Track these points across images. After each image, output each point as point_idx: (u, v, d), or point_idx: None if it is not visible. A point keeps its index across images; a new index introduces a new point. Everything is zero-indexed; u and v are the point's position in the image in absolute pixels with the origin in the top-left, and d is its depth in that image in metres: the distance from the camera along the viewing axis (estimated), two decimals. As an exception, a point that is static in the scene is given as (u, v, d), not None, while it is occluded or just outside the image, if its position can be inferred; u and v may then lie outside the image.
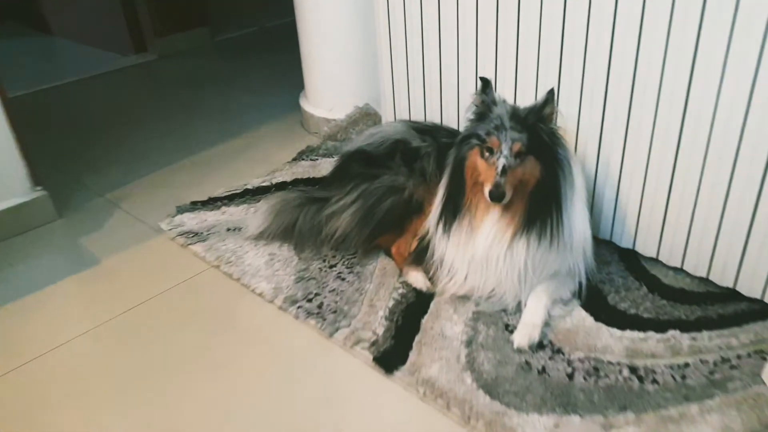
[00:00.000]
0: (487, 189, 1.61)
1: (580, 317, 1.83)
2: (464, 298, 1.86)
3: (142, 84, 4.21)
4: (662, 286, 1.98)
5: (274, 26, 5.31)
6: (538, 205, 1.70)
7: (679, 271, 2.00)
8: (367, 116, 3.07)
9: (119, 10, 4.46)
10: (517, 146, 1.62)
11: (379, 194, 2.01)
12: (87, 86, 4.09)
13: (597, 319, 1.82)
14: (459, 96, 2.34)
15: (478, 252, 1.74)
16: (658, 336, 1.75)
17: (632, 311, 1.86)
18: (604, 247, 2.11)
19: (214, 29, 5.08)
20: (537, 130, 1.66)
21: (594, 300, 1.88)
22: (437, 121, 2.43)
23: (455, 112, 2.40)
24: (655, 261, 2.05)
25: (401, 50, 2.43)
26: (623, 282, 1.99)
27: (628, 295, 1.94)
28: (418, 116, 2.50)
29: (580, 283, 1.86)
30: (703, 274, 1.93)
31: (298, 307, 1.91)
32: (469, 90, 2.24)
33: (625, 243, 2.09)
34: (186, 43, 4.84)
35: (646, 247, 2.04)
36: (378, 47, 2.50)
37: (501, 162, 1.61)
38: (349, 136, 2.97)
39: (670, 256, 2.00)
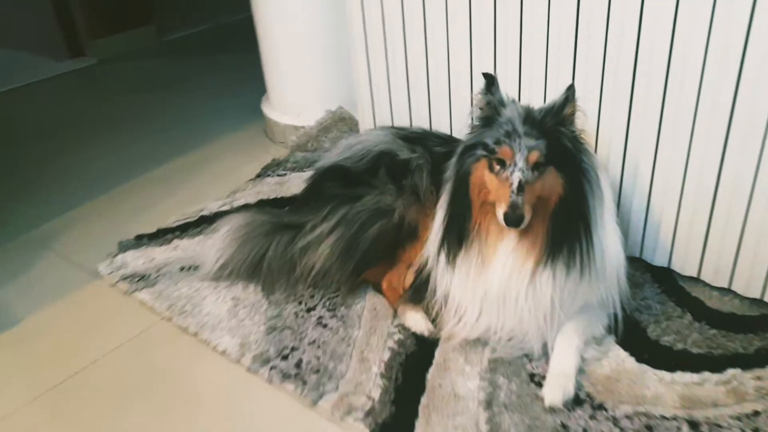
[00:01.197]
0: (501, 211, 1.46)
1: (619, 358, 1.67)
2: (477, 342, 1.70)
3: (80, 93, 4.08)
4: (708, 311, 1.83)
5: (229, 23, 5.34)
6: (563, 227, 1.54)
7: (726, 291, 1.87)
8: (342, 121, 2.94)
9: (49, 9, 4.27)
10: (534, 156, 1.47)
11: (363, 219, 1.85)
12: (14, 97, 3.94)
13: (639, 359, 1.66)
14: (451, 96, 2.23)
15: (492, 288, 1.59)
16: (716, 377, 1.59)
17: (679, 346, 1.71)
18: (633, 265, 1.94)
19: (161, 28, 4.96)
20: (557, 135, 1.52)
21: (632, 334, 1.73)
22: (425, 126, 2.32)
23: (447, 116, 2.29)
24: (695, 280, 1.92)
25: (379, 44, 2.32)
26: (662, 309, 1.84)
27: (671, 325, 1.78)
28: (402, 121, 2.40)
29: (615, 315, 1.71)
30: (756, 295, 1.80)
31: (272, 368, 1.71)
32: (463, 88, 2.19)
33: (659, 260, 1.96)
34: (129, 44, 4.70)
35: (684, 265, 1.92)
36: (351, 42, 2.39)
37: (516, 177, 1.45)
38: (321, 146, 2.85)
39: (716, 275, 1.86)
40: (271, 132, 3.16)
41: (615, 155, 1.87)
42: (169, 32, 5.07)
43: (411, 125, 2.36)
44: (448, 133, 2.25)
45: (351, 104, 2.89)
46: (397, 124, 2.40)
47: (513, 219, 1.44)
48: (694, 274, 1.90)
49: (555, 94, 1.74)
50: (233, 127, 3.34)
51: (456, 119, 2.25)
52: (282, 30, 2.84)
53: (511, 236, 1.57)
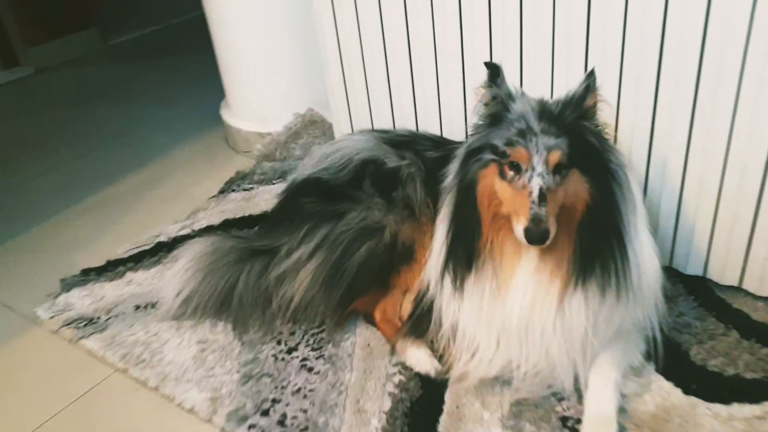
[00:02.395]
0: (520, 227, 1.34)
1: (664, 391, 1.55)
2: (494, 381, 1.60)
3: (14, 106, 3.98)
4: (756, 326, 1.73)
5: (180, 23, 5.28)
6: (593, 241, 1.42)
7: (773, 301, 1.77)
8: (313, 125, 2.86)
9: (-25, 16, 4.25)
10: (555, 157, 1.35)
11: (349, 240, 1.76)
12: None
13: (687, 390, 1.55)
14: (440, 92, 2.14)
15: (512, 318, 1.47)
16: (782, 408, 1.46)
17: (730, 371, 1.60)
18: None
19: (104, 31, 4.90)
20: (580, 130, 1.41)
21: (673, 360, 1.62)
22: (411, 128, 2.25)
23: (435, 115, 2.20)
24: (735, 290, 1.83)
25: (353, 36, 2.23)
26: (703, 326, 1.74)
27: (716, 345, 1.68)
28: (384, 123, 2.32)
29: (653, 338, 1.61)
30: (809, 304, 1.70)
31: (250, 427, 1.57)
32: (454, 82, 2.07)
33: (692, 269, 1.88)
34: (69, 50, 4.61)
35: (723, 274, 1.83)
36: (320, 35, 2.32)
37: (536, 183, 1.34)
38: (291, 154, 2.79)
39: (761, 284, 1.77)
40: (233, 141, 3.07)
41: (639, 150, 1.77)
42: (114, 35, 4.99)
43: (395, 127, 2.30)
44: (439, 134, 2.17)
45: (323, 106, 2.81)
46: (377, 126, 2.33)
47: (536, 235, 1.32)
48: (735, 283, 1.81)
49: (565, 85, 1.69)
50: (189, 137, 3.26)
51: (447, 118, 2.17)
52: (240, 26, 2.75)
53: (531, 255, 1.45)
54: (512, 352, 1.53)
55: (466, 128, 2.08)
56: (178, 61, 4.38)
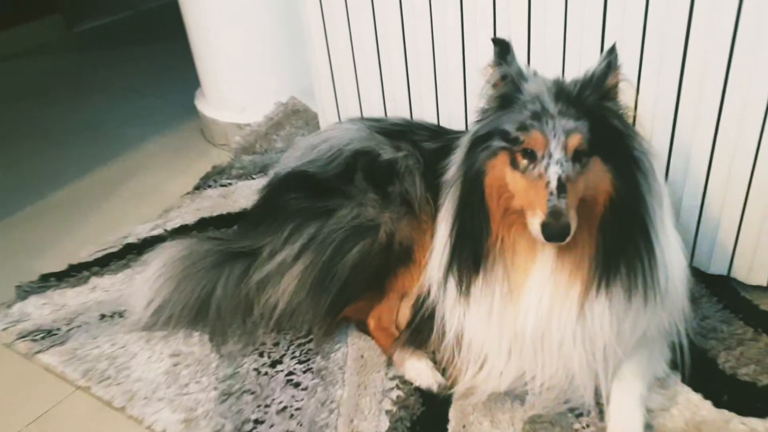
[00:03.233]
0: (536, 221, 1.28)
1: (692, 404, 1.52)
2: (505, 396, 1.57)
3: None
4: None
5: (151, 8, 5.18)
6: (617, 238, 1.37)
7: (803, 302, 1.76)
8: (296, 115, 2.85)
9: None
10: (575, 141, 1.30)
11: (339, 240, 1.73)
12: None
13: (718, 403, 1.52)
14: (437, 77, 2.09)
15: (527, 327, 1.43)
16: (821, 421, 1.45)
17: (764, 380, 1.57)
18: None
19: (71, 17, 4.73)
20: (601, 112, 1.36)
21: (700, 368, 1.59)
22: (405, 116, 2.20)
23: (432, 102, 2.15)
24: (762, 290, 1.81)
25: (340, 17, 2.19)
26: (729, 330, 1.72)
27: (746, 352, 1.65)
28: (374, 112, 2.27)
29: (679, 345, 1.57)
30: None
31: None
32: (453, 64, 2.02)
33: (716, 268, 1.86)
34: (31, 38, 4.47)
35: (750, 273, 1.80)
36: (305, 18, 2.28)
37: (554, 172, 1.28)
38: (272, 146, 2.75)
39: None
40: (210, 133, 3.03)
41: (660, 137, 1.73)
42: (80, 22, 4.83)
43: (386, 115, 2.26)
44: (436, 123, 2.14)
45: (307, 94, 2.77)
46: (367, 115, 2.27)
47: (556, 231, 1.26)
48: (763, 283, 1.80)
49: (578, 68, 1.64)
50: (162, 130, 3.20)
51: (445, 106, 2.12)
52: (215, 9, 2.70)
53: (547, 254, 1.40)
54: (526, 364, 1.50)
55: (467, 117, 2.05)
56: (149, 50, 4.31)
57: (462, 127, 1.98)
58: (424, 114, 2.16)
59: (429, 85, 2.12)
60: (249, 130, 2.84)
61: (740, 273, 1.81)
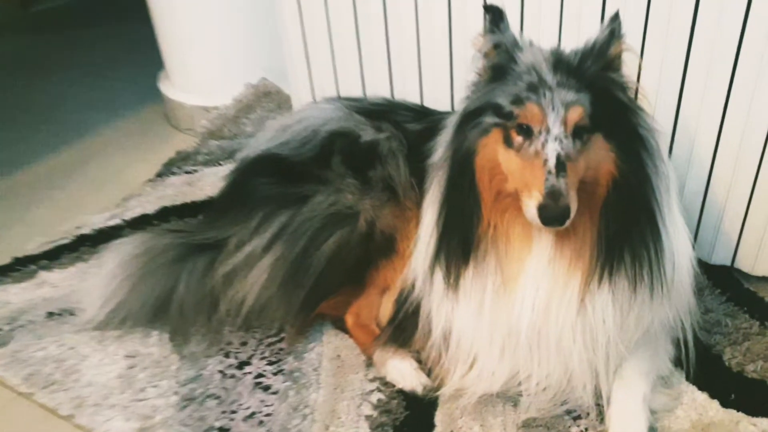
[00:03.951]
0: (532, 204, 1.26)
1: (698, 404, 1.51)
2: (497, 398, 1.55)
3: None
4: None
5: None
6: (621, 224, 1.34)
7: (810, 295, 1.79)
8: (267, 97, 2.84)
9: None
10: (575, 115, 1.27)
11: (314, 229, 1.72)
12: None
13: (725, 403, 1.50)
14: (420, 52, 2.05)
15: (522, 321, 1.40)
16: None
17: None
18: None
19: None
20: (604, 85, 1.34)
21: (705, 365, 1.58)
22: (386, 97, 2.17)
23: (415, 82, 2.11)
24: (766, 281, 1.82)
25: None
26: (734, 323, 1.70)
27: (752, 347, 1.64)
28: (352, 92, 2.24)
29: (684, 341, 1.56)
30: None
31: None
32: (438, 39, 1.99)
33: (719, 258, 1.85)
34: None
35: (756, 263, 1.80)
36: None
37: (552, 149, 1.25)
38: (242, 130, 2.72)
39: None
40: (174, 117, 3.00)
41: (664, 114, 1.71)
42: (36, 1, 4.76)
43: (364, 95, 2.22)
44: (420, 104, 2.11)
45: (279, 75, 2.73)
46: (345, 94, 2.25)
47: (555, 213, 1.23)
48: None
49: (578, 38, 1.60)
50: (123, 114, 3.16)
51: (429, 85, 2.08)
52: None
53: (544, 242, 1.37)
54: (520, 362, 1.48)
55: (453, 97, 2.02)
56: (110, 29, 4.27)
57: (448, 109, 1.95)
58: (407, 95, 2.13)
59: (412, 63, 2.08)
60: (216, 113, 2.82)
61: (745, 263, 1.80)
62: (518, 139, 1.27)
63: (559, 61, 1.31)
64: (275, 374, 1.65)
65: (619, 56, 1.34)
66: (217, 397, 1.59)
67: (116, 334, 1.78)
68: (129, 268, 1.78)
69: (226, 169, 2.33)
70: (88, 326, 1.79)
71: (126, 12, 4.31)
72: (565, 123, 1.25)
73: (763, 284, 1.79)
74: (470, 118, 1.36)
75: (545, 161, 1.23)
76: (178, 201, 2.35)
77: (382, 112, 1.88)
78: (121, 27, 4.26)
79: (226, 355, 1.72)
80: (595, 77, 1.31)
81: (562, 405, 1.49)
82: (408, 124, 1.82)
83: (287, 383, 1.62)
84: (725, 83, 1.60)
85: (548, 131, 1.25)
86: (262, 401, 1.57)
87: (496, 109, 1.31)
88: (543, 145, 1.25)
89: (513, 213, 1.35)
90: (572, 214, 1.24)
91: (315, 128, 1.84)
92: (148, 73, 3.17)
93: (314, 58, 2.28)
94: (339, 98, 2.07)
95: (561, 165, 1.23)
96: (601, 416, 1.45)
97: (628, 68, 1.41)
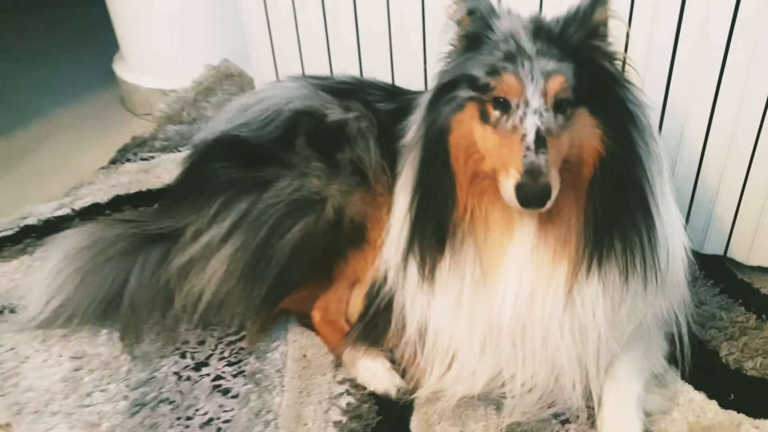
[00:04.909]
0: (510, 183, 1.22)
1: (695, 405, 1.47)
2: (477, 400, 1.51)
3: None
4: None
5: None
6: (610, 208, 1.31)
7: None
8: (229, 79, 2.86)
9: None
10: (556, 84, 1.23)
11: (277, 217, 1.69)
12: None
13: (724, 403, 1.47)
14: (391, 30, 2.02)
15: (504, 316, 1.36)
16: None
17: None
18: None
19: None
20: (589, 53, 1.30)
21: (701, 362, 1.55)
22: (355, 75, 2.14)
23: (386, 60, 2.08)
24: (762, 271, 1.81)
25: None
26: (729, 317, 1.69)
27: (750, 342, 1.62)
28: (319, 72, 2.19)
29: (678, 336, 1.53)
30: None
31: None
32: (409, 14, 1.96)
33: (711, 248, 1.84)
34: None
35: (751, 253, 1.80)
36: None
37: (531, 123, 1.22)
38: (202, 114, 2.71)
39: None
40: (131, 101, 3.00)
41: (653, 90, 1.68)
42: None
43: (332, 74, 2.18)
44: (391, 83, 2.10)
45: (241, 56, 2.71)
46: (310, 73, 2.19)
47: (534, 193, 1.18)
48: (766, 264, 1.80)
49: (559, 8, 1.49)
50: (76, 98, 3.13)
51: (401, 64, 2.06)
52: None
53: (526, 228, 1.33)
54: (503, 361, 1.44)
55: (426, 77, 1.98)
56: (62, 10, 4.21)
57: (422, 89, 1.90)
58: (377, 74, 2.08)
59: (382, 40, 2.06)
60: (174, 96, 2.81)
61: (739, 253, 1.80)
62: (495, 113, 1.24)
63: (539, 29, 1.28)
64: (235, 376, 1.62)
65: (604, 23, 1.30)
66: (171, 402, 1.55)
67: (61, 333, 1.73)
68: (76, 262, 1.74)
69: (185, 155, 2.22)
70: (30, 325, 1.74)
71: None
72: (545, 94, 1.22)
73: (758, 275, 1.79)
74: (444, 92, 1.33)
75: (523, 136, 1.19)
76: (133, 189, 2.32)
77: (351, 90, 1.85)
78: (78, 10, 4.19)
79: (182, 356, 1.68)
80: (579, 46, 1.27)
81: (549, 407, 1.46)
82: (379, 104, 1.79)
83: (248, 386, 1.59)
84: (719, 57, 1.58)
85: (527, 104, 1.21)
86: (221, 406, 1.54)
87: (471, 82, 1.27)
88: (521, 119, 1.21)
89: (492, 196, 1.30)
90: (553, 195, 1.20)
91: (278, 108, 1.79)
92: (105, 56, 3.16)
93: (278, 38, 2.27)
94: (304, 76, 2.00)
95: (541, 140, 1.19)
96: (591, 419, 1.42)
97: (615, 38, 1.35)
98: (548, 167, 1.19)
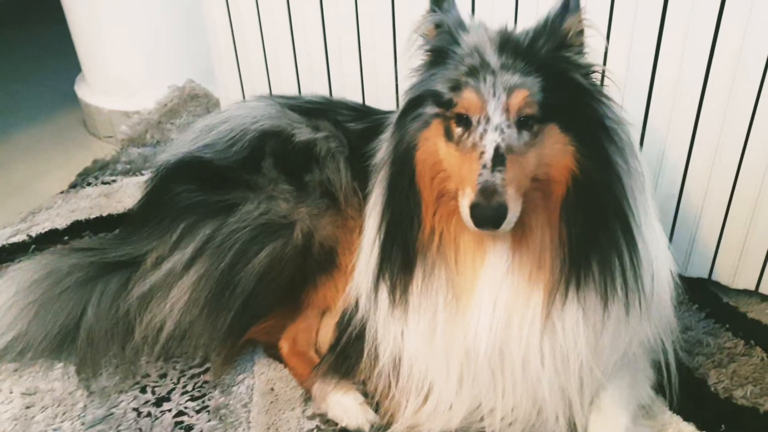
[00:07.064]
0: (465, 203, 1.22)
1: None
2: None
3: None
4: None
5: None
6: (585, 228, 1.29)
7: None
8: (194, 100, 2.88)
9: None
10: (519, 99, 1.22)
11: (243, 242, 1.67)
12: None
13: None
14: (361, 49, 2.04)
15: (480, 343, 1.34)
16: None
17: (765, 404, 1.53)
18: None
19: None
20: (560, 66, 1.29)
21: (689, 392, 1.54)
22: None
23: (356, 80, 2.10)
24: (749, 295, 1.82)
25: None
26: (717, 343, 1.69)
27: (739, 369, 1.61)
28: (286, 90, 2.23)
29: (666, 364, 1.52)
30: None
31: None
32: (379, 33, 2.00)
33: (695, 270, 1.85)
34: None
35: (736, 275, 1.81)
36: None
37: (490, 140, 1.21)
38: (166, 137, 2.74)
39: None
40: (92, 123, 3.01)
41: (632, 109, 1.68)
42: None
43: (300, 94, 2.23)
44: (361, 102, 2.16)
45: (207, 76, 2.77)
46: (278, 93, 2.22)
47: (487, 213, 1.17)
48: (752, 287, 1.80)
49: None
50: (35, 120, 3.16)
51: (372, 83, 2.08)
52: None
53: (499, 250, 1.31)
54: (482, 393, 1.41)
55: (398, 95, 1.99)
56: (23, 32, 4.30)
57: (393, 109, 1.89)
58: (347, 94, 2.10)
59: (352, 59, 2.10)
60: (138, 118, 2.83)
61: (724, 275, 1.81)
62: (458, 130, 1.23)
63: (506, 42, 1.26)
64: (198, 412, 1.59)
65: (576, 33, 1.29)
66: (129, 440, 1.43)
67: (13, 367, 1.70)
68: (30, 295, 1.72)
69: (146, 178, 2.23)
70: (-20, 361, 1.67)
71: (46, 15, 4.33)
72: (507, 110, 1.21)
73: (743, 298, 1.79)
74: (411, 108, 1.32)
75: (481, 154, 1.18)
76: (93, 214, 2.32)
77: (320, 110, 1.85)
78: (40, 30, 4.31)
79: (142, 390, 1.65)
80: (549, 58, 1.26)
81: (530, 440, 1.41)
82: (349, 124, 1.79)
83: (212, 422, 1.56)
84: (702, 71, 1.59)
85: (488, 120, 1.20)
86: (183, 445, 1.43)
87: (436, 98, 1.27)
88: (481, 136, 1.20)
89: (460, 217, 1.27)
90: (510, 215, 1.18)
91: (243, 128, 1.79)
92: (67, 77, 3.19)
93: (244, 58, 2.30)
94: (272, 95, 2.01)
95: (499, 158, 1.17)
96: (575, 453, 1.40)
97: (591, 50, 1.34)
98: (505, 186, 1.17)
